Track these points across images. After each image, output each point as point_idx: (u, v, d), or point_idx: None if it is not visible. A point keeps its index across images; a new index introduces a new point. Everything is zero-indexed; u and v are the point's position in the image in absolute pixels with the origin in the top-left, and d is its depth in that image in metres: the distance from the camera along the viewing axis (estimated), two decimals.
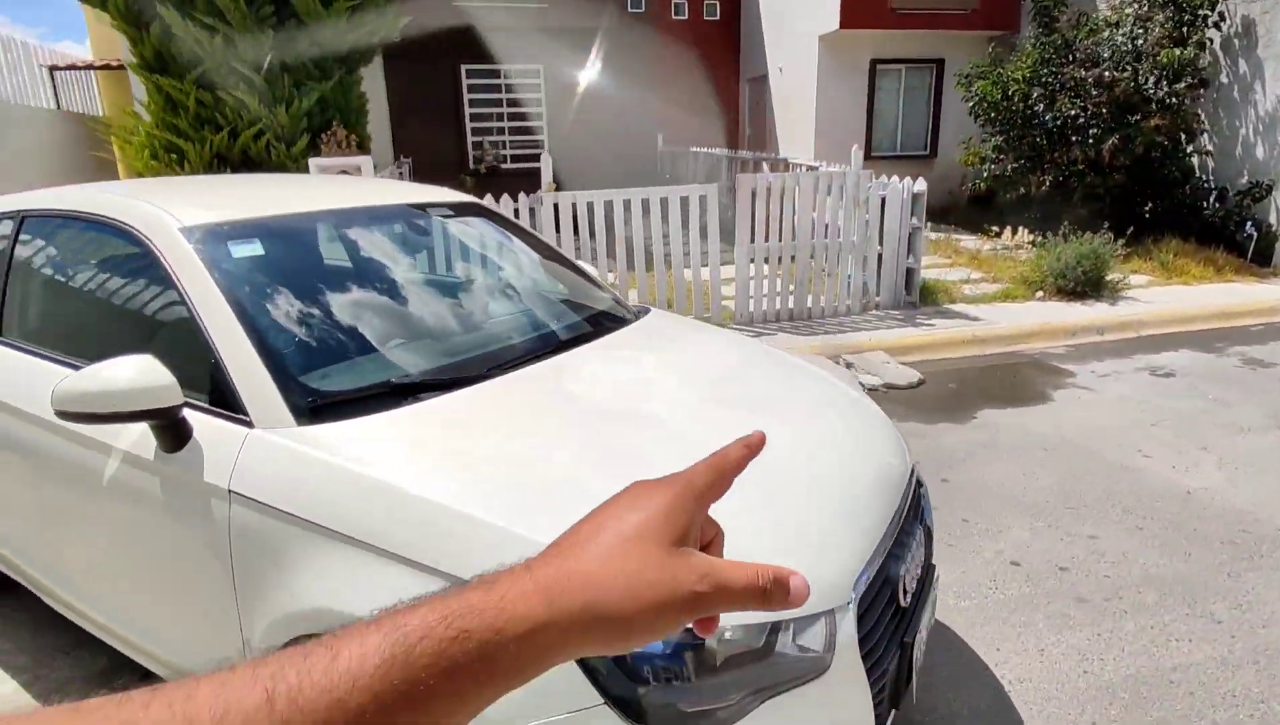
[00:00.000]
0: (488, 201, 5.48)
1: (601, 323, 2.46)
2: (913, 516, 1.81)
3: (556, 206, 5.70)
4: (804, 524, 1.57)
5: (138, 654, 1.99)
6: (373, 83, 10.02)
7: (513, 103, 10.68)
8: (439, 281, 2.44)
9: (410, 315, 2.17)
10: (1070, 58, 8.23)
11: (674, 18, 13.02)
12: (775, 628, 1.38)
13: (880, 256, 6.48)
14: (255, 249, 1.99)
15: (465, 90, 10.38)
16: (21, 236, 2.32)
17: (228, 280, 1.85)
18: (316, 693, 0.33)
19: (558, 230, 5.73)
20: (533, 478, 1.54)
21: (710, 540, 0.45)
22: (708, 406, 1.96)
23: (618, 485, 0.45)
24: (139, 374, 1.62)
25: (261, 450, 1.61)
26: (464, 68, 10.26)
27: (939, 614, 2.46)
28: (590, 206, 5.75)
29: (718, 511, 0.46)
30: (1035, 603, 2.64)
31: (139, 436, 1.74)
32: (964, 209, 10.49)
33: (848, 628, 1.43)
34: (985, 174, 9.10)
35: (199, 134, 6.25)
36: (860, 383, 4.91)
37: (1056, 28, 8.41)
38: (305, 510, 1.50)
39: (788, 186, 6.09)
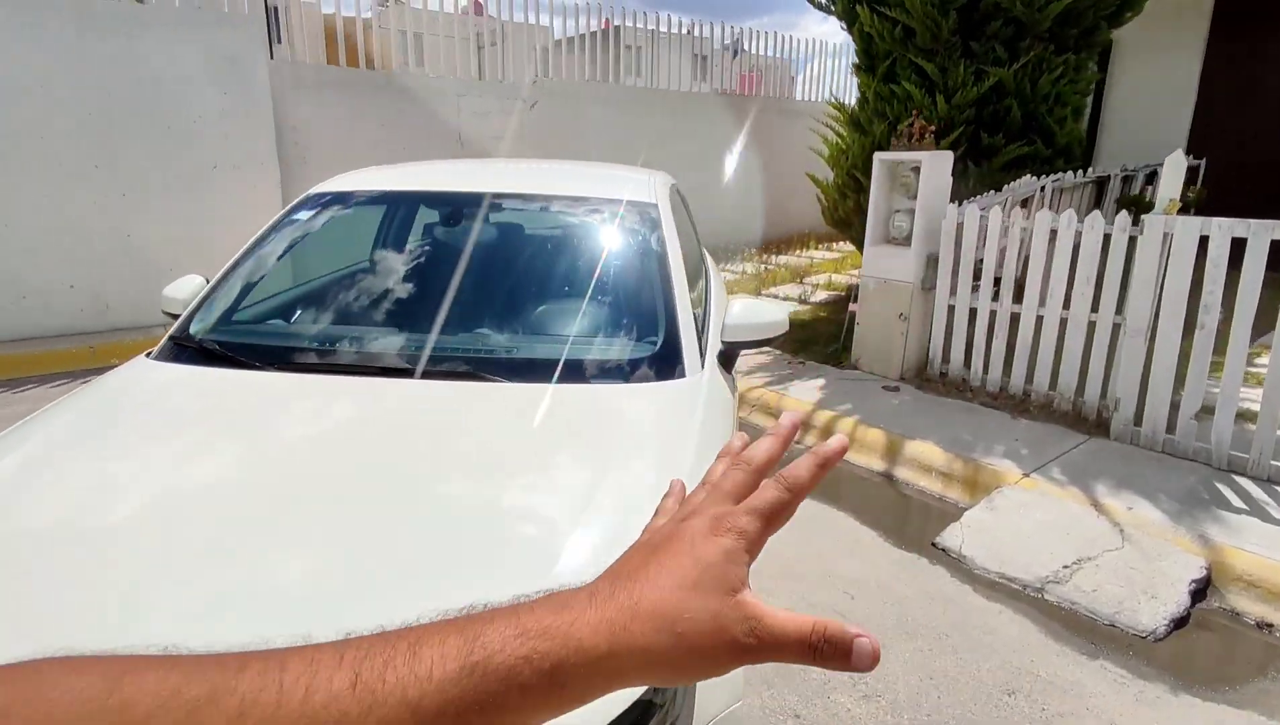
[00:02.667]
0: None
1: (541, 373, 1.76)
2: None
3: (1168, 239, 3.51)
4: None
5: None
6: (1187, 64, 7.74)
7: None
8: (457, 276, 2.19)
9: (368, 298, 2.11)
10: None
11: None
12: None
13: None
14: (322, 215, 2.31)
15: None
16: None
17: (272, 234, 2.26)
18: (396, 684, 0.34)
19: (1162, 270, 3.55)
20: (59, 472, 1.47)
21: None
22: (357, 498, 1.28)
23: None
24: (170, 287, 2.28)
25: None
26: None
27: None
28: (1239, 243, 3.29)
29: None
30: None
31: None
32: None
33: None
34: None
35: (871, 127, 6.39)
36: None
37: None
38: None
39: None
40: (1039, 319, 4.21)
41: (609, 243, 2.24)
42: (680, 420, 1.65)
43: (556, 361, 1.84)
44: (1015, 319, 4.33)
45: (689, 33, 9.95)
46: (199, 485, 1.34)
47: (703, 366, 1.95)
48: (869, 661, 0.39)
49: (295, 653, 0.35)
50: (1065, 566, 2.85)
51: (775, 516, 0.44)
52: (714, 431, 1.70)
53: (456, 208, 2.35)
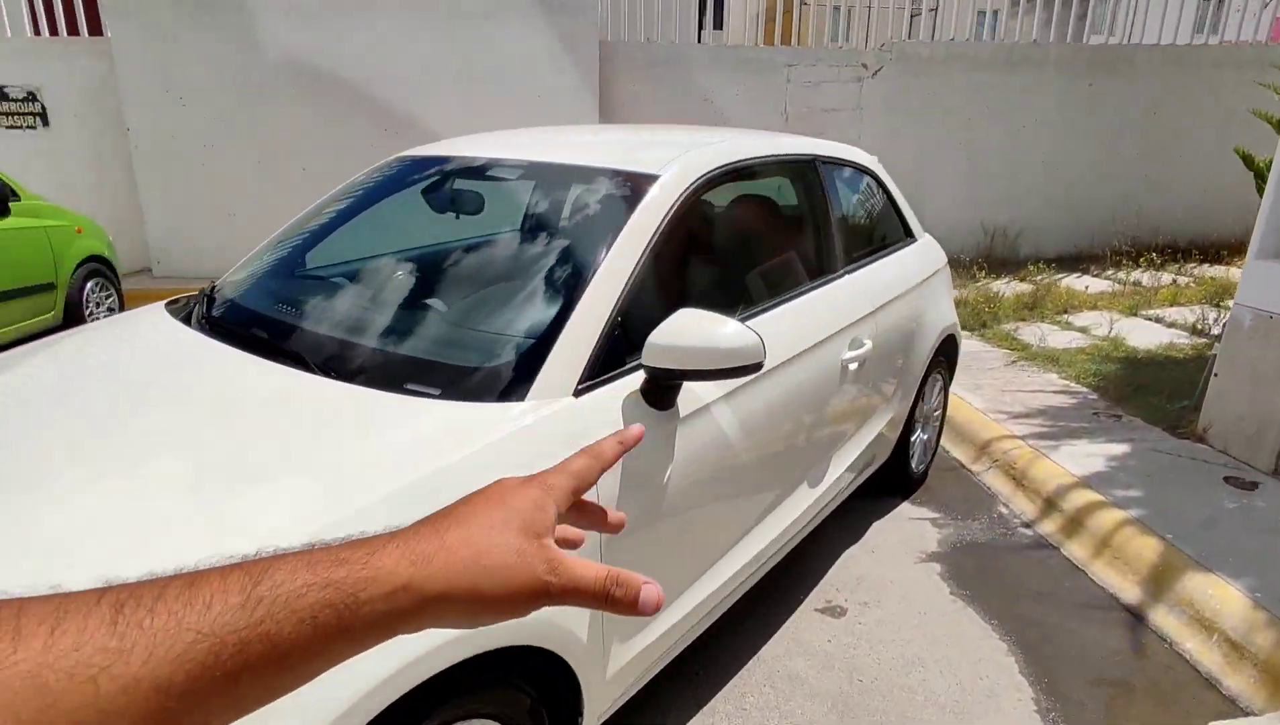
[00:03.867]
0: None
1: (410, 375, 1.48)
2: None
3: None
4: None
5: None
6: None
7: None
8: (450, 256, 1.93)
9: (309, 271, 2.03)
10: None
11: None
12: None
13: None
14: (403, 174, 2.25)
15: None
16: None
17: (355, 186, 2.30)
18: (169, 617, 0.31)
19: None
20: None
21: (572, 543, 0.51)
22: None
23: None
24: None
25: None
26: None
27: None
28: None
29: None
30: None
31: None
32: None
33: None
34: None
35: None
36: None
37: None
38: None
39: None
40: None
41: (555, 224, 1.79)
42: (409, 458, 1.22)
43: (388, 358, 1.54)
44: None
45: None
46: None
47: (576, 393, 1.44)
48: (653, 607, 0.43)
49: (39, 599, 0.31)
50: None
51: (581, 478, 0.48)
52: (456, 480, 1.22)
53: (442, 178, 2.12)
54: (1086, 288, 6.26)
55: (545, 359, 1.44)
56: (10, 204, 4.49)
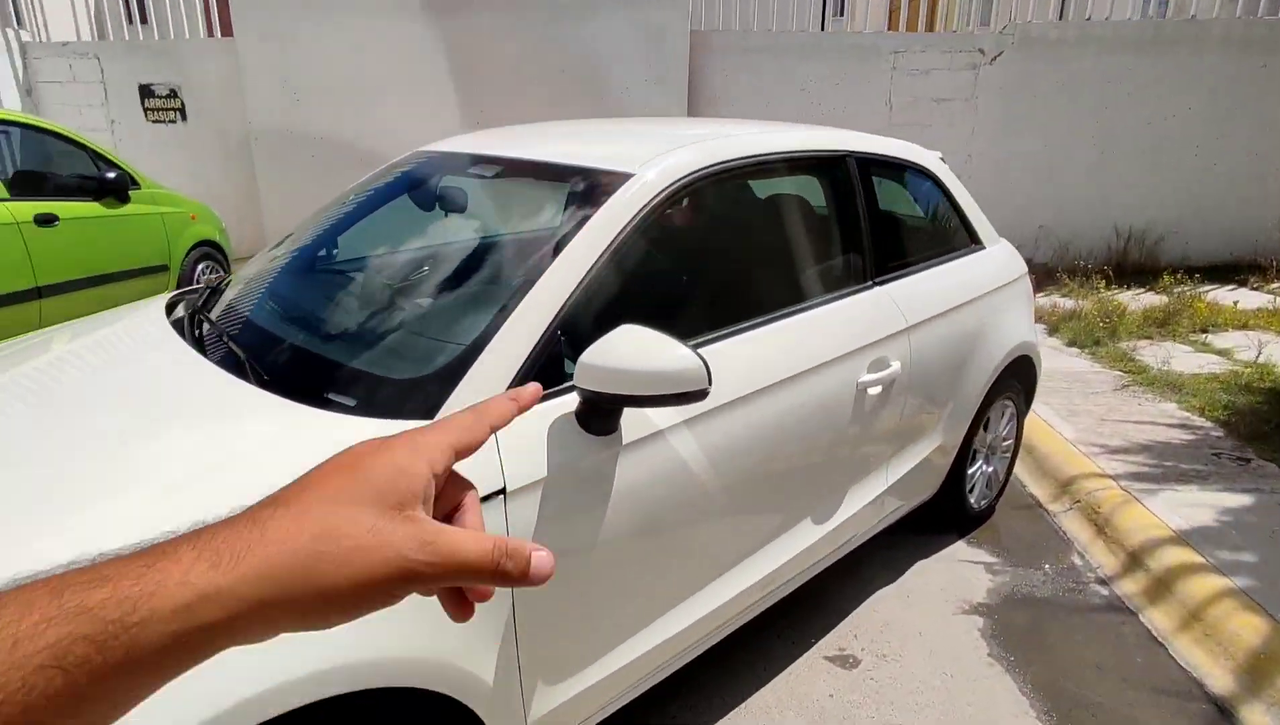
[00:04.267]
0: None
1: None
2: None
3: None
4: None
5: None
6: None
7: None
8: (407, 262, 1.84)
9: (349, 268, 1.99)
10: None
11: None
12: None
13: None
14: (406, 172, 2.22)
15: None
16: None
17: (368, 183, 2.28)
18: None
19: None
20: None
21: (460, 502, 0.40)
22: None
23: None
24: None
25: None
26: None
27: None
28: None
29: None
30: None
31: None
32: None
33: None
34: None
35: None
36: None
37: None
38: None
39: None
40: None
41: (513, 226, 1.66)
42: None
43: (314, 368, 1.47)
44: None
45: None
46: None
47: None
48: (545, 574, 0.36)
49: None
50: None
51: (464, 436, 0.39)
52: None
53: (425, 177, 2.03)
54: (1236, 303, 5.42)
55: (464, 374, 1.33)
56: (130, 192, 4.91)
